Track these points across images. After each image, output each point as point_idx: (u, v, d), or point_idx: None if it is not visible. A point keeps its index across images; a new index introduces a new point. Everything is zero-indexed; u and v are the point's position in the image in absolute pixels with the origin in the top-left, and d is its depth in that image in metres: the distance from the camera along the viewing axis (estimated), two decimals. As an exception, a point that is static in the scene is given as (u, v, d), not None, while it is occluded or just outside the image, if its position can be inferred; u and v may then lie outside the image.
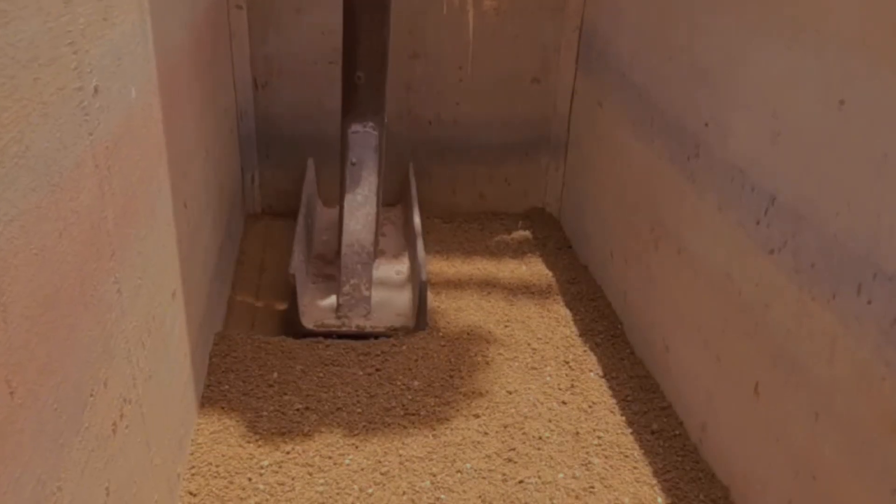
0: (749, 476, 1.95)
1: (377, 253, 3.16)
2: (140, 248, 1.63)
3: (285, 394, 2.40)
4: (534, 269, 3.33)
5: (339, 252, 2.93)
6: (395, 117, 3.56)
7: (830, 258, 1.61)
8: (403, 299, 2.94)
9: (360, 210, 2.79)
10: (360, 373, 2.53)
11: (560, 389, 2.50)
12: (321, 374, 2.51)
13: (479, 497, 2.07)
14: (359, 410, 2.36)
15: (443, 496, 2.06)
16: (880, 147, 1.46)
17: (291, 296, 2.64)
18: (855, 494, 1.52)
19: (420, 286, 2.70)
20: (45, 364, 1.11)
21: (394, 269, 3.15)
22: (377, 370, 2.54)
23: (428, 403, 2.41)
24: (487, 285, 3.18)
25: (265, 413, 2.32)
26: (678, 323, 2.39)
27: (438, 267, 3.30)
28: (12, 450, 1.00)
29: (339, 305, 2.73)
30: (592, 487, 2.12)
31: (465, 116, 3.58)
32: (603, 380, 2.58)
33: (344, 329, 2.70)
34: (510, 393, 2.47)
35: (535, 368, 2.60)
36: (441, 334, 2.74)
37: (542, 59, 3.51)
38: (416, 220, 3.15)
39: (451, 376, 2.54)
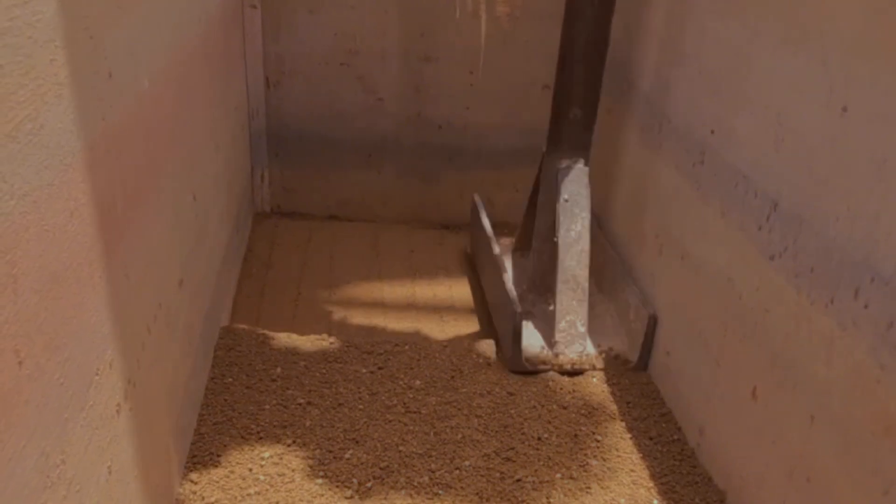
0: (744, 478, 1.96)
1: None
2: (148, 235, 1.66)
3: (288, 388, 2.42)
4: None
5: (540, 287, 2.92)
6: (404, 120, 3.59)
7: (829, 262, 1.62)
8: (608, 331, 2.86)
9: (575, 247, 2.72)
10: (363, 370, 2.55)
11: (561, 393, 2.52)
12: (324, 371, 2.53)
13: (477, 494, 2.08)
14: (360, 407, 2.38)
15: (441, 492, 2.08)
16: (881, 151, 1.48)
17: (514, 334, 2.58)
18: (848, 496, 1.53)
19: (649, 320, 2.60)
20: (52, 339, 1.13)
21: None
22: (380, 368, 2.56)
23: (429, 402, 2.42)
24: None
25: (267, 406, 2.34)
26: (679, 327, 2.40)
27: (439, 272, 3.33)
28: (18, 419, 1.02)
29: (555, 342, 2.68)
30: (589, 488, 2.13)
31: (474, 121, 3.61)
32: (605, 385, 2.59)
33: (564, 366, 2.65)
34: (511, 394, 2.49)
35: (538, 373, 2.62)
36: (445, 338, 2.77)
37: (553, 65, 3.53)
38: (612, 253, 3.03)
39: (453, 377, 2.55)
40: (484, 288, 3.14)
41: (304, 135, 3.58)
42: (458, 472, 2.15)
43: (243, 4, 3.26)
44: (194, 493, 2.00)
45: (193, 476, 2.05)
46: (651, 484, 2.16)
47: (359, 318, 3.03)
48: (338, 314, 3.06)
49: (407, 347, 2.67)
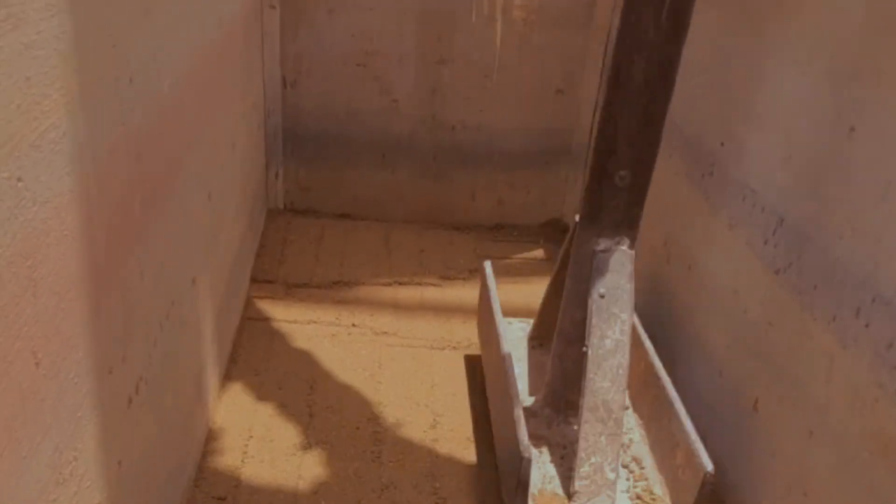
0: (742, 490, 1.99)
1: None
2: (164, 235, 1.70)
3: (292, 383, 2.46)
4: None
5: (559, 403, 2.26)
6: (418, 121, 3.62)
7: (832, 280, 1.64)
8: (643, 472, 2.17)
9: (610, 360, 2.03)
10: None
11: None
12: (329, 371, 2.57)
13: (481, 500, 2.12)
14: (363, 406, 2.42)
15: (447, 495, 2.12)
16: (885, 174, 1.49)
17: (519, 484, 1.89)
18: (843, 512, 1.55)
19: (704, 478, 1.86)
20: (68, 339, 1.17)
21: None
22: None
23: (436, 406, 2.46)
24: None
25: (272, 402, 2.38)
26: (684, 337, 2.42)
27: (448, 274, 3.36)
28: (34, 417, 1.06)
29: (575, 492, 2.01)
30: (591, 494, 2.16)
31: (488, 123, 3.63)
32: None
33: None
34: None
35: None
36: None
37: (568, 70, 3.55)
38: (664, 376, 2.20)
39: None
40: (487, 389, 2.45)
41: (319, 134, 3.62)
42: (465, 476, 2.18)
43: (263, 5, 3.29)
44: (204, 492, 2.05)
45: (205, 467, 2.09)
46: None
47: (368, 315, 3.06)
48: (347, 311, 3.09)
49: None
